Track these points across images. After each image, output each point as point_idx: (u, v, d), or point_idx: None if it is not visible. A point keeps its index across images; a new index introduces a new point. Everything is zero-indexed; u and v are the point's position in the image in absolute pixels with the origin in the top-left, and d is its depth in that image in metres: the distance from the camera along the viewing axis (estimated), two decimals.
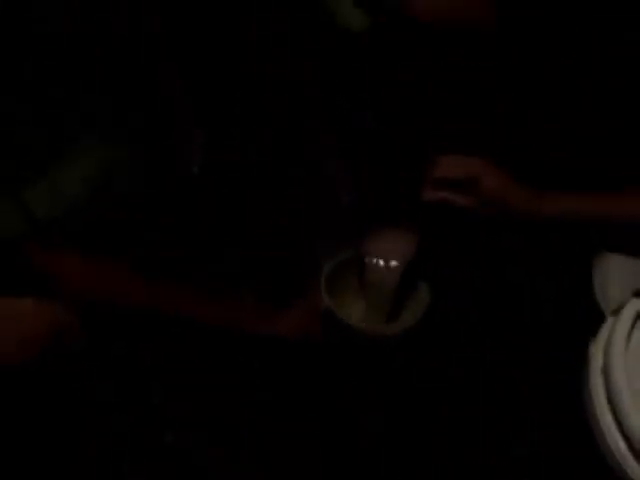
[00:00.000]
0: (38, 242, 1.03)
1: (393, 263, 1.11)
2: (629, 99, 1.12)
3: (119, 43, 1.00)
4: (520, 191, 1.08)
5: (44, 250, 1.04)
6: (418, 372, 1.13)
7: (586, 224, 1.07)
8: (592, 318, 1.05)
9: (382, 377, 1.14)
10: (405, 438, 1.10)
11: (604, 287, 1.12)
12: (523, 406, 1.09)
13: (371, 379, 1.14)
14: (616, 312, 0.99)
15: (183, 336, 1.11)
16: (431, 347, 1.13)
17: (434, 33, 1.09)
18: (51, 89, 0.98)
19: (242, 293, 1.15)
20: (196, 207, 1.14)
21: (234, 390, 1.12)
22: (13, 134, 0.98)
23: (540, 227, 1.10)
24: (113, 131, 1.02)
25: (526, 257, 1.18)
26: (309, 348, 1.13)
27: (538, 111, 1.16)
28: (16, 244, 1.02)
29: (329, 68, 1.14)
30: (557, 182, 1.11)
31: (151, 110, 1.05)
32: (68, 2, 0.96)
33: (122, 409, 1.09)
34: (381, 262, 1.11)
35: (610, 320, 0.99)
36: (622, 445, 0.90)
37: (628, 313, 0.96)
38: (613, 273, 1.12)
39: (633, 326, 0.96)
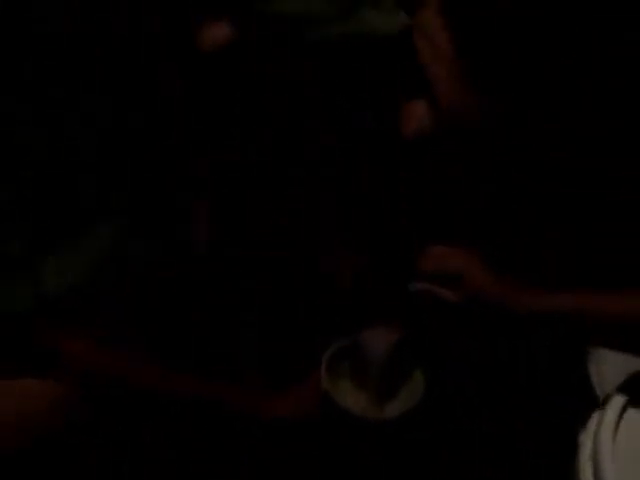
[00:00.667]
0: (46, 317, 1.01)
1: (380, 345, 1.15)
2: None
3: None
4: (502, 290, 1.05)
5: (52, 326, 1.02)
6: (415, 445, 1.15)
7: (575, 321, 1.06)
8: (586, 402, 1.06)
9: (379, 458, 1.16)
10: None
11: (600, 371, 1.13)
12: None
13: (368, 460, 1.16)
14: (604, 403, 1.00)
15: (182, 416, 1.11)
16: (428, 421, 1.15)
17: None
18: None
19: (245, 375, 1.17)
20: (203, 288, 1.15)
21: (231, 472, 1.14)
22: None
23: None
24: (124, 216, 1.02)
25: (523, 334, 1.18)
26: (307, 428, 1.14)
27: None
28: (24, 319, 1.00)
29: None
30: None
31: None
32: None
33: None
34: (368, 345, 1.15)
35: (597, 413, 1.00)
36: None
37: (614, 407, 0.98)
38: (608, 355, 1.13)
39: (620, 418, 0.97)
